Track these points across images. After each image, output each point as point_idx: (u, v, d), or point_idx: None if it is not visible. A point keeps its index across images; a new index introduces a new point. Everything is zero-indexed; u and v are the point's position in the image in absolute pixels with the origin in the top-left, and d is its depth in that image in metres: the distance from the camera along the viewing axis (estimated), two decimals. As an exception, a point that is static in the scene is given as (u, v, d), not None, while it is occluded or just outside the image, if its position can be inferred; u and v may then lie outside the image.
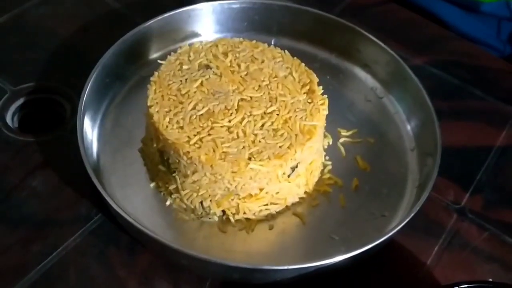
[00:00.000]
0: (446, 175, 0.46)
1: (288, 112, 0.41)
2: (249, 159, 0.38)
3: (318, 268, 0.36)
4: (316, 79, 0.44)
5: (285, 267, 0.36)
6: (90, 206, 0.42)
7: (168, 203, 0.42)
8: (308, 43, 0.53)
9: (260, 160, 0.38)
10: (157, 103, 0.41)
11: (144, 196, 0.42)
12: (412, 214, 0.39)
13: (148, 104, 0.42)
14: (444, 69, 0.56)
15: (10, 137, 0.46)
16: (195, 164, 0.38)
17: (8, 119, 0.48)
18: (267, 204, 0.41)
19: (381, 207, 0.43)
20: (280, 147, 0.39)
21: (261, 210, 0.41)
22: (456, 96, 0.54)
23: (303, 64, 0.45)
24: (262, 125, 0.40)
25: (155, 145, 0.41)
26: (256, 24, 0.53)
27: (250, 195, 0.40)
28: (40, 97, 0.50)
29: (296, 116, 0.41)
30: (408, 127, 0.48)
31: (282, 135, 0.40)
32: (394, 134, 0.48)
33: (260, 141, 0.39)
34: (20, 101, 0.50)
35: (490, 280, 0.37)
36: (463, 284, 0.33)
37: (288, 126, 0.40)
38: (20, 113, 0.50)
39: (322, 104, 0.42)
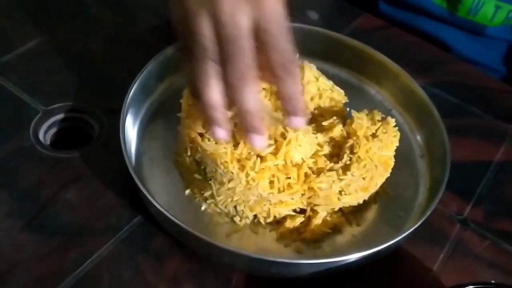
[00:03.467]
0: (449, 188, 0.49)
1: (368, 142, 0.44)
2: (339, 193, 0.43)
3: (330, 265, 0.40)
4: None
5: (298, 261, 0.41)
6: (120, 216, 0.46)
7: (203, 208, 0.45)
8: (320, 60, 0.56)
9: (349, 194, 0.43)
10: (192, 114, 0.44)
11: (180, 202, 0.46)
12: (427, 215, 0.42)
13: (183, 115, 0.45)
14: (445, 89, 0.60)
15: (43, 153, 0.50)
16: (232, 173, 0.42)
17: (41, 136, 0.52)
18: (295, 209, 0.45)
19: (397, 208, 0.47)
20: (363, 178, 0.43)
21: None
22: (457, 115, 0.58)
23: None
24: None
25: (189, 153, 0.44)
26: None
27: (281, 202, 0.43)
28: (70, 116, 0.54)
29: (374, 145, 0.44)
30: (418, 137, 0.52)
31: (364, 166, 0.43)
32: (404, 142, 0.51)
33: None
34: (51, 120, 0.53)
35: (493, 281, 0.40)
36: (469, 285, 0.36)
37: (369, 157, 0.44)
38: (51, 132, 0.53)
39: (394, 136, 0.46)
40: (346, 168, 0.44)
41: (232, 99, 0.38)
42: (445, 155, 0.47)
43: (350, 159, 0.44)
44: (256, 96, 0.38)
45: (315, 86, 0.49)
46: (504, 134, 0.56)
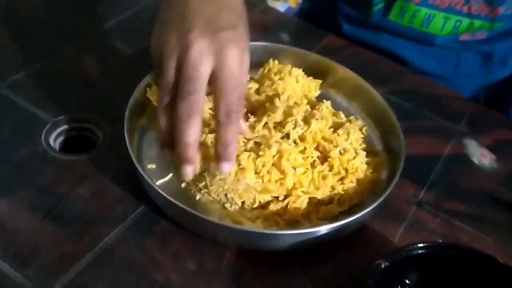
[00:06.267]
0: (406, 176, 0.57)
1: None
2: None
3: (307, 236, 0.48)
4: None
5: (279, 232, 0.49)
6: (127, 207, 0.53)
7: (198, 197, 0.53)
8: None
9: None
10: None
11: (177, 193, 0.53)
12: (385, 195, 0.51)
13: None
14: (401, 97, 0.69)
15: (55, 157, 0.57)
16: None
17: (51, 143, 0.59)
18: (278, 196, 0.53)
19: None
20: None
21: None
22: (412, 118, 0.67)
23: None
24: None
25: None
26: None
27: (265, 189, 0.51)
28: (75, 126, 0.61)
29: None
30: (378, 135, 0.61)
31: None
32: (367, 140, 0.60)
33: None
34: (59, 129, 0.60)
35: (440, 241, 0.48)
36: (419, 244, 0.45)
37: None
38: (59, 139, 0.60)
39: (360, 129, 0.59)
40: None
41: (175, 130, 0.45)
42: (401, 149, 0.56)
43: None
44: (196, 132, 0.45)
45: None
46: (451, 133, 0.66)
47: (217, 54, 0.44)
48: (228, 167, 0.47)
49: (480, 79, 0.79)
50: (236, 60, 0.45)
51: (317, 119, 0.55)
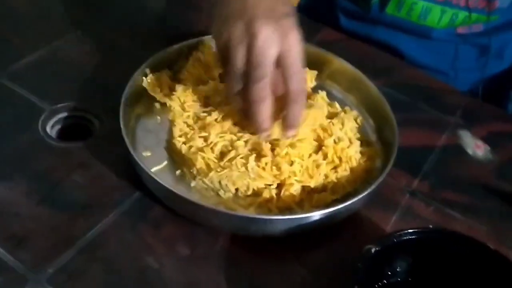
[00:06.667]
0: (400, 167, 0.58)
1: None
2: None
3: (300, 221, 0.48)
4: None
5: (272, 217, 0.49)
6: (122, 193, 0.53)
7: (192, 184, 0.53)
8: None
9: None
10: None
11: (172, 180, 0.54)
12: (378, 182, 0.51)
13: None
14: (397, 89, 0.69)
15: (52, 144, 0.57)
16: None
17: (48, 130, 0.59)
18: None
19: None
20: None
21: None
22: (407, 110, 0.67)
23: None
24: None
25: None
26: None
27: (259, 176, 0.52)
28: (72, 115, 0.62)
29: None
30: (373, 126, 0.62)
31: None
32: (362, 130, 0.61)
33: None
34: (57, 117, 0.61)
35: (430, 226, 0.49)
36: (409, 230, 0.45)
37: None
38: (57, 127, 0.61)
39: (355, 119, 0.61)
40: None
41: (250, 111, 0.50)
42: (394, 139, 0.56)
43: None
44: (270, 109, 0.50)
45: None
46: (445, 124, 0.66)
47: (282, 38, 0.48)
48: (293, 132, 0.53)
49: (478, 72, 0.79)
50: (299, 43, 0.49)
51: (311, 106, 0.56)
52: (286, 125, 0.52)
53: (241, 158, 0.52)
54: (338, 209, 0.49)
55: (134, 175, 0.53)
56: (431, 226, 0.48)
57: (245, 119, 0.54)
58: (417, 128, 0.65)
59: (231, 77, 0.50)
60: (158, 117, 0.60)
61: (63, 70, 0.66)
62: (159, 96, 0.60)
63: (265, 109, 0.50)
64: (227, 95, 0.55)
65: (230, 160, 0.52)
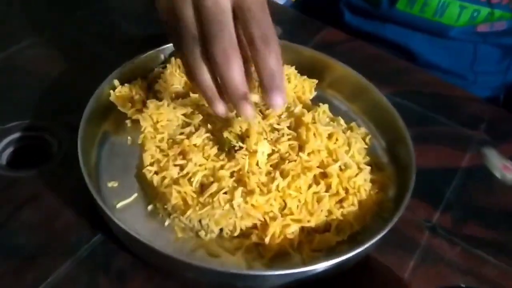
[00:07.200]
0: (417, 195, 0.48)
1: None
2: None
3: (299, 276, 0.39)
4: None
5: (264, 273, 0.40)
6: (80, 235, 0.44)
7: (166, 223, 0.44)
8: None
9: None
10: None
11: (143, 218, 0.44)
12: (394, 222, 0.42)
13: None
14: (408, 98, 0.60)
15: (-1, 173, 0.48)
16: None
17: (-3, 155, 0.50)
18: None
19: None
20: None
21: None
22: (420, 123, 0.58)
23: None
24: None
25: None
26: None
27: (247, 214, 0.42)
28: (27, 135, 0.52)
29: None
30: (383, 145, 0.52)
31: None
32: (370, 151, 0.51)
33: None
34: (8, 139, 0.51)
35: (463, 285, 0.39)
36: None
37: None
38: (8, 151, 0.51)
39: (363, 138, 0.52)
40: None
41: (218, 76, 0.40)
42: (411, 162, 0.47)
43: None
44: (241, 69, 0.40)
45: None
46: (468, 140, 0.56)
47: None
48: (280, 99, 0.40)
49: (500, 76, 0.70)
50: None
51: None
52: (265, 89, 0.40)
53: (225, 193, 0.42)
54: (347, 258, 0.39)
55: (96, 212, 0.43)
56: (462, 286, 0.38)
57: (216, 100, 0.43)
58: (435, 146, 0.55)
59: (187, 47, 0.41)
60: (129, 137, 0.50)
61: (18, 81, 0.56)
62: (130, 112, 0.51)
63: (236, 68, 0.39)
64: (186, 75, 0.45)
65: (212, 195, 0.43)
